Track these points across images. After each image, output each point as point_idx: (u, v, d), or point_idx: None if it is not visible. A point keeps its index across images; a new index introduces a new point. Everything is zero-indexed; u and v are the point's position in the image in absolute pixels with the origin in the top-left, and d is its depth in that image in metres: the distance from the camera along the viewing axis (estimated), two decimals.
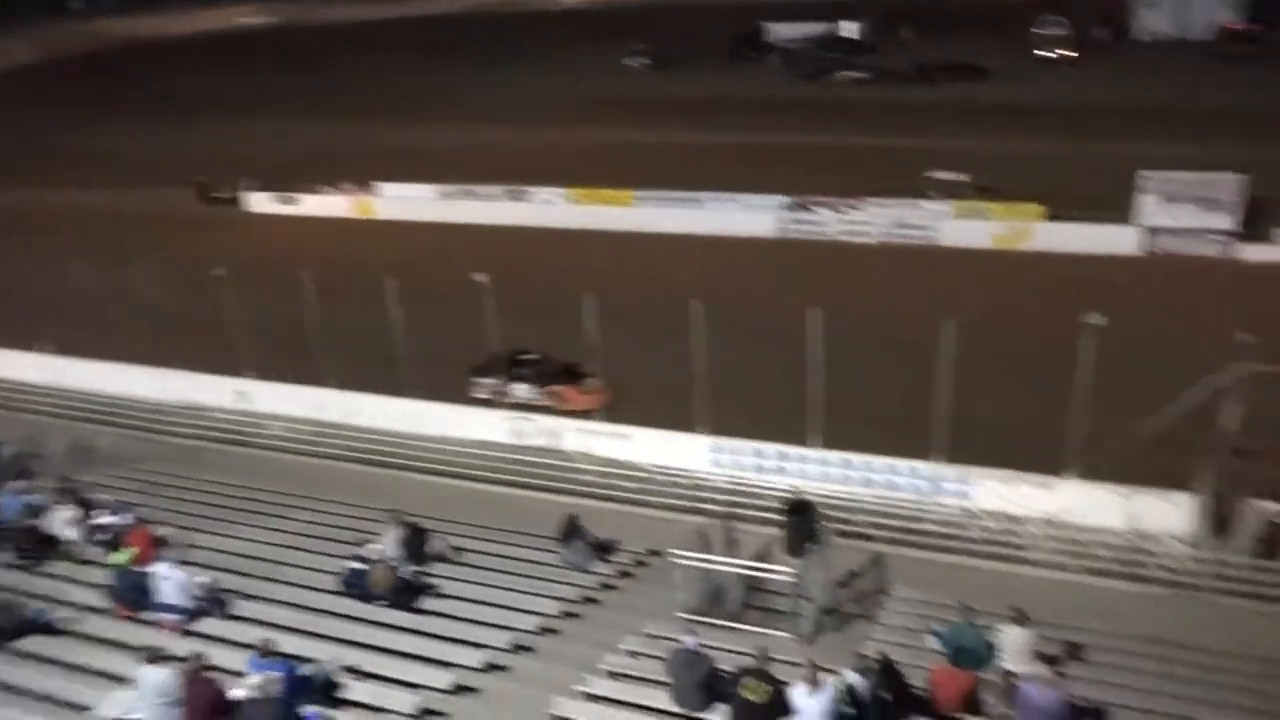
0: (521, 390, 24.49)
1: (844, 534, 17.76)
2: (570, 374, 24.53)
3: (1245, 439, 16.85)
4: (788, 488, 19.81)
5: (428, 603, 15.29)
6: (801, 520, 17.06)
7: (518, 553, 17.17)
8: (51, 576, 15.84)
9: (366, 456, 22.96)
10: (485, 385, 24.67)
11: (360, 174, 45.51)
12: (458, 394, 24.26)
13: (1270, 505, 17.10)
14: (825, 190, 38.29)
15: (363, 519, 18.66)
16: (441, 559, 16.54)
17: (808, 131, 50.95)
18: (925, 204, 36.67)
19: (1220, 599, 16.33)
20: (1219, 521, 17.61)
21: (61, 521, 16.72)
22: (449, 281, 25.17)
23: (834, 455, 20.11)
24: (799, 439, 20.41)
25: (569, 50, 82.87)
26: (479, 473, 21.64)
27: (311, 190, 45.17)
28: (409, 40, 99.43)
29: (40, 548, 16.24)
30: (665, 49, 75.14)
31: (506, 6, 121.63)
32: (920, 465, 19.45)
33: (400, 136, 57.07)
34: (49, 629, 13.97)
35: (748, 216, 38.01)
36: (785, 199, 38.01)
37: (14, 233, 27.27)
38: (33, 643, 13.64)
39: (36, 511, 17.05)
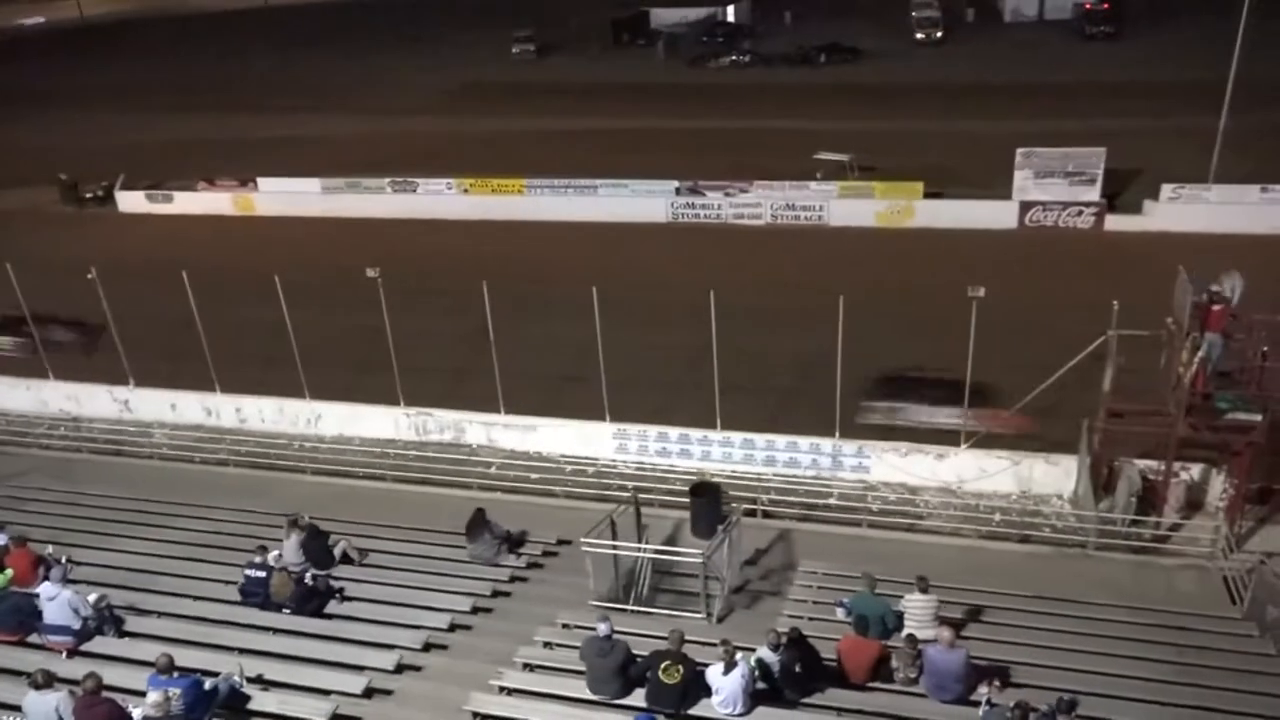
0: (927, 413, 20.71)
1: (750, 513, 18.06)
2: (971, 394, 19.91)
3: (1120, 401, 17.76)
4: (693, 470, 20.10)
5: (334, 606, 14.94)
6: (707, 502, 17.28)
7: (425, 550, 16.91)
8: None
9: (261, 460, 22.23)
10: (880, 410, 21.11)
11: (238, 169, 43.89)
12: (353, 392, 23.67)
13: (1145, 463, 18.10)
14: (714, 174, 38.71)
15: (259, 524, 18.12)
16: (346, 560, 16.17)
17: (694, 116, 51.43)
18: (812, 185, 37.41)
19: (1104, 555, 17.24)
20: (1100, 482, 18.57)
21: None
22: (337, 276, 24.57)
23: (736, 436, 20.42)
24: (703, 421, 20.64)
25: (452, 38, 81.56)
26: (381, 471, 21.20)
27: (187, 187, 43.29)
28: (285, 29, 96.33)
29: None
30: (548, 35, 74.64)
31: None
32: (820, 442, 19.95)
33: (279, 129, 55.30)
34: None
35: (640, 202, 38.12)
36: (676, 183, 38.26)
37: None
38: None
39: None
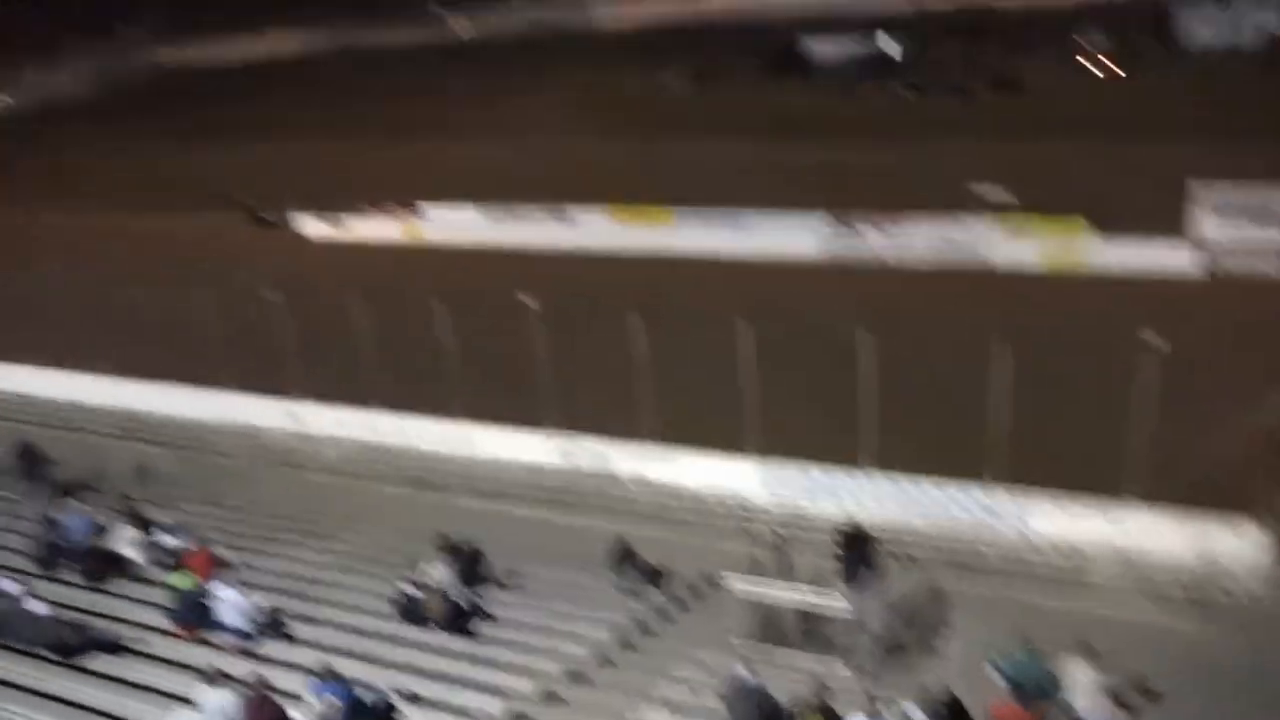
0: None
1: (901, 562, 17.53)
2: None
3: None
4: (843, 514, 19.64)
5: (481, 627, 15.35)
6: (857, 548, 16.85)
7: (569, 578, 17.18)
8: (115, 595, 16.10)
9: (418, 479, 23.10)
10: None
11: (405, 195, 45.95)
12: (506, 415, 24.28)
13: None
14: (868, 208, 38.03)
15: (415, 542, 18.79)
16: (494, 583, 16.59)
17: (848, 148, 50.66)
18: (970, 220, 36.28)
19: None
20: None
21: (124, 542, 17.00)
22: (496, 301, 25.35)
23: (889, 480, 19.85)
24: (852, 463, 20.19)
25: (607, 68, 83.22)
26: (529, 496, 21.66)
27: (359, 213, 45.65)
28: (450, 63, 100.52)
29: (104, 567, 16.52)
30: (703, 66, 75.24)
31: (541, 29, 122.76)
32: (977, 490, 19.14)
33: (443, 158, 57.56)
34: (113, 647, 14.19)
35: (791, 235, 37.83)
36: (828, 217, 37.80)
37: (70, 254, 27.81)
38: (98, 661, 13.86)
39: (101, 532, 17.37)
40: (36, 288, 28.15)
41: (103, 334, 27.64)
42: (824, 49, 74.56)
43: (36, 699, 12.84)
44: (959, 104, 60.12)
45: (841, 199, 39.37)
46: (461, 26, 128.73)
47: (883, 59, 71.76)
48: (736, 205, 39.25)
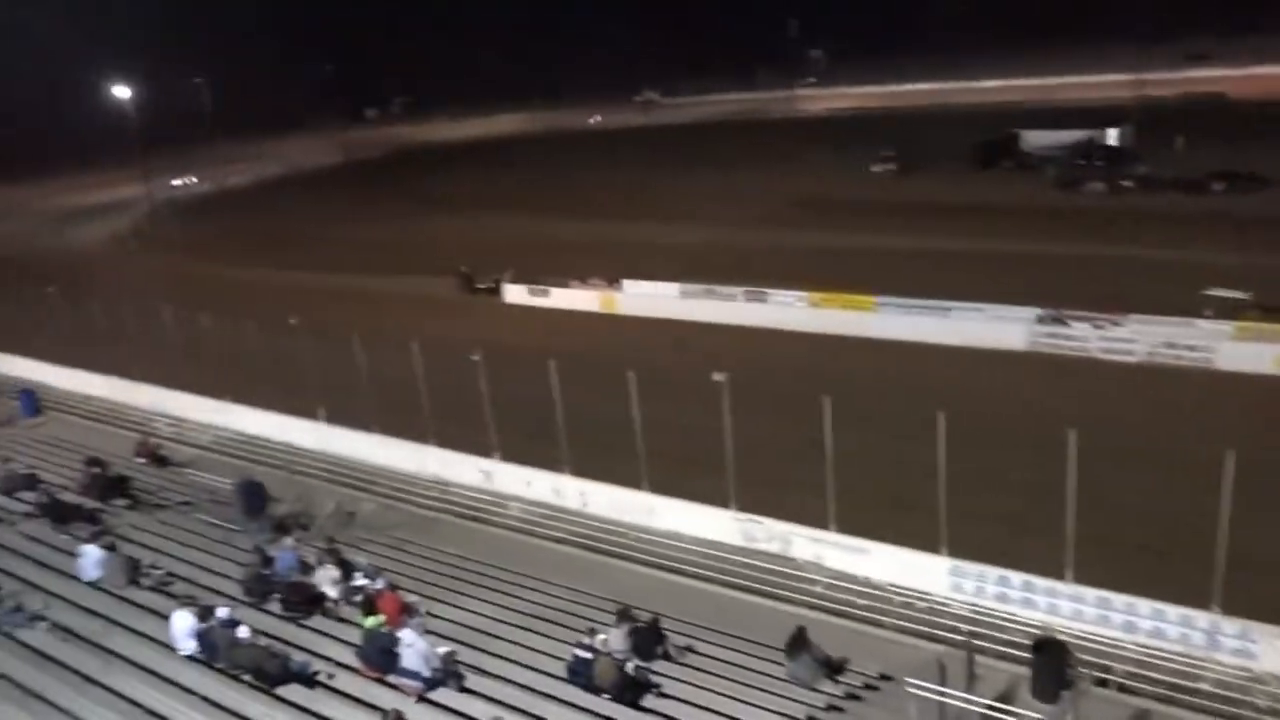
0: None
1: (1100, 682, 16.14)
2: None
3: None
4: (1036, 623, 18.37)
5: (650, 701, 15.19)
6: (1051, 662, 15.67)
7: (742, 660, 16.82)
8: (312, 630, 17.04)
9: (598, 545, 23.40)
10: None
11: (606, 270, 47.61)
12: (687, 489, 24.30)
13: None
14: (1081, 304, 36.16)
15: (590, 606, 19.00)
16: (666, 657, 16.44)
17: (1063, 241, 48.62)
18: (1200, 322, 33.76)
19: None
20: None
21: (326, 581, 18.04)
22: (687, 378, 25.65)
23: (1089, 592, 18.37)
24: (1051, 569, 18.88)
25: (814, 155, 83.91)
26: (706, 572, 21.48)
27: (562, 284, 47.61)
28: (659, 146, 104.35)
29: (306, 602, 17.54)
30: (912, 155, 74.56)
31: (751, 114, 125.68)
32: (1194, 614, 17.39)
33: (647, 235, 59.49)
34: (307, 680, 14.97)
35: (997, 327, 36.40)
36: (1039, 311, 36.16)
37: (298, 310, 30.36)
38: (291, 691, 14.65)
39: (306, 569, 18.53)
40: (268, 341, 30.76)
41: (320, 385, 29.84)
42: (1040, 140, 72.37)
43: None
44: (1186, 198, 56.65)
45: (1053, 293, 37.70)
46: (671, 112, 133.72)
47: (1104, 150, 68.80)
48: (941, 295, 38.19)
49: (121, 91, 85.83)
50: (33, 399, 34.90)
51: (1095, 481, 18.94)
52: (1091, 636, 18.01)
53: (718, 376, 21.82)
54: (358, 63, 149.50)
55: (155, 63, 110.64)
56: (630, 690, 15.05)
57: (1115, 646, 17.61)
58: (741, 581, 21.00)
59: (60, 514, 21.34)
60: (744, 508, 22.55)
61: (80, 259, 69.12)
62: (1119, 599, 18.12)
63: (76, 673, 14.56)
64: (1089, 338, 34.81)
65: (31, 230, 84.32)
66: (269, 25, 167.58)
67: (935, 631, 18.60)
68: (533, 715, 14.51)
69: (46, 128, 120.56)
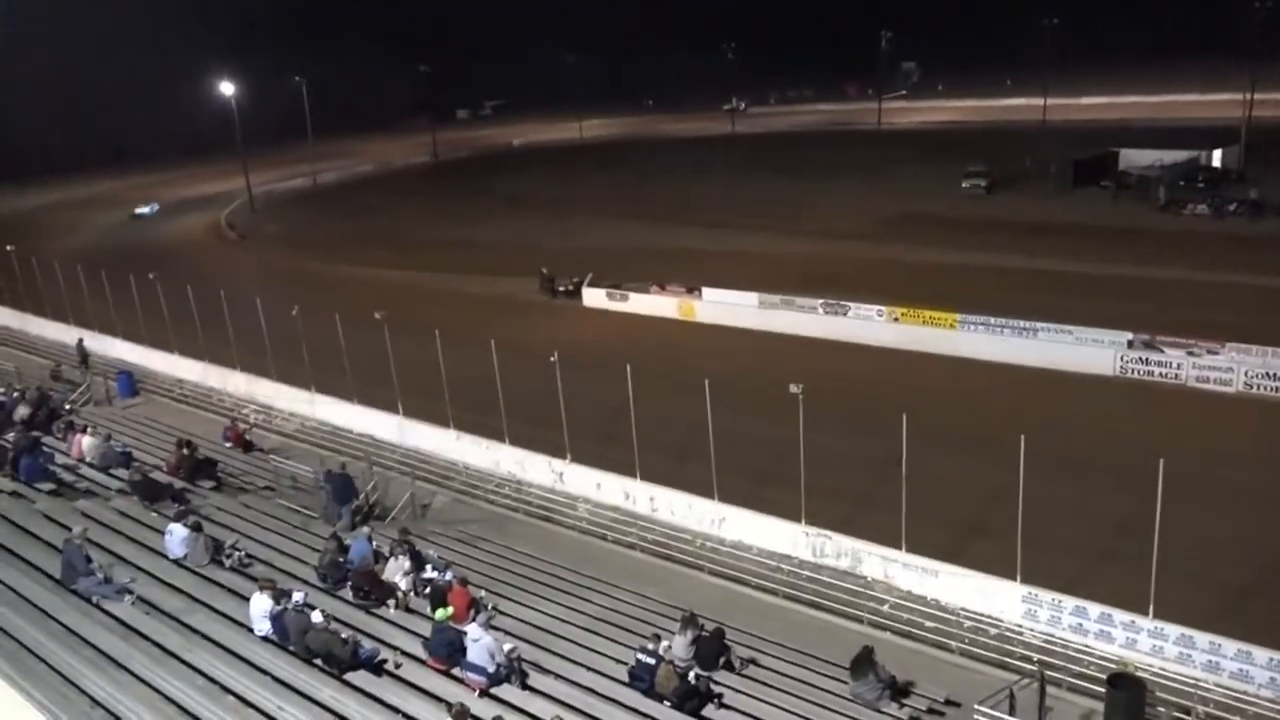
0: None
1: None
2: None
3: None
4: (1112, 657, 17.80)
5: (710, 711, 15.14)
6: (1128, 698, 15.16)
7: (805, 675, 16.68)
8: (382, 619, 17.41)
9: (664, 551, 23.43)
10: None
11: (686, 277, 47.62)
12: (757, 500, 24.15)
13: None
14: (1176, 330, 34.89)
15: (654, 612, 19.05)
16: (729, 668, 16.38)
17: (1158, 264, 47.02)
18: None
19: None
20: None
21: (398, 572, 18.42)
22: (762, 388, 25.54)
23: (1172, 628, 17.72)
24: (1130, 602, 18.27)
25: (902, 169, 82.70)
26: (773, 584, 21.34)
27: (641, 289, 47.79)
28: (746, 154, 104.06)
29: (377, 591, 17.94)
30: (1003, 172, 72.91)
31: (839, 125, 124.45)
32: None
33: (727, 244, 59.37)
34: (375, 668, 15.30)
35: (1085, 351, 35.34)
36: (1129, 336, 35.02)
37: (383, 305, 31.01)
38: (360, 678, 14.99)
39: (380, 559, 18.95)
40: (353, 335, 31.54)
41: (401, 380, 30.48)
42: (1140, 159, 70.05)
43: (309, 704, 14.05)
44: None
45: (1146, 317, 36.49)
46: (758, 121, 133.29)
47: (1208, 172, 66.31)
48: (1028, 316, 37.25)
49: (226, 88, 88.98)
50: (130, 380, 36.44)
51: (1177, 512, 18.26)
52: (1172, 675, 17.38)
53: (794, 388, 21.66)
54: (451, 64, 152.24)
55: (259, 61, 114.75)
56: (691, 699, 15.03)
57: (1196, 686, 16.95)
58: (808, 596, 20.81)
59: (151, 492, 22.20)
60: (814, 522, 22.33)
61: (181, 248, 71.80)
62: (1203, 637, 17.44)
63: (158, 645, 15.11)
64: (1183, 365, 33.58)
65: (137, 220, 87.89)
66: (366, 26, 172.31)
67: (1006, 660, 18.19)
68: (593, 717, 14.59)
69: (155, 122, 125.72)
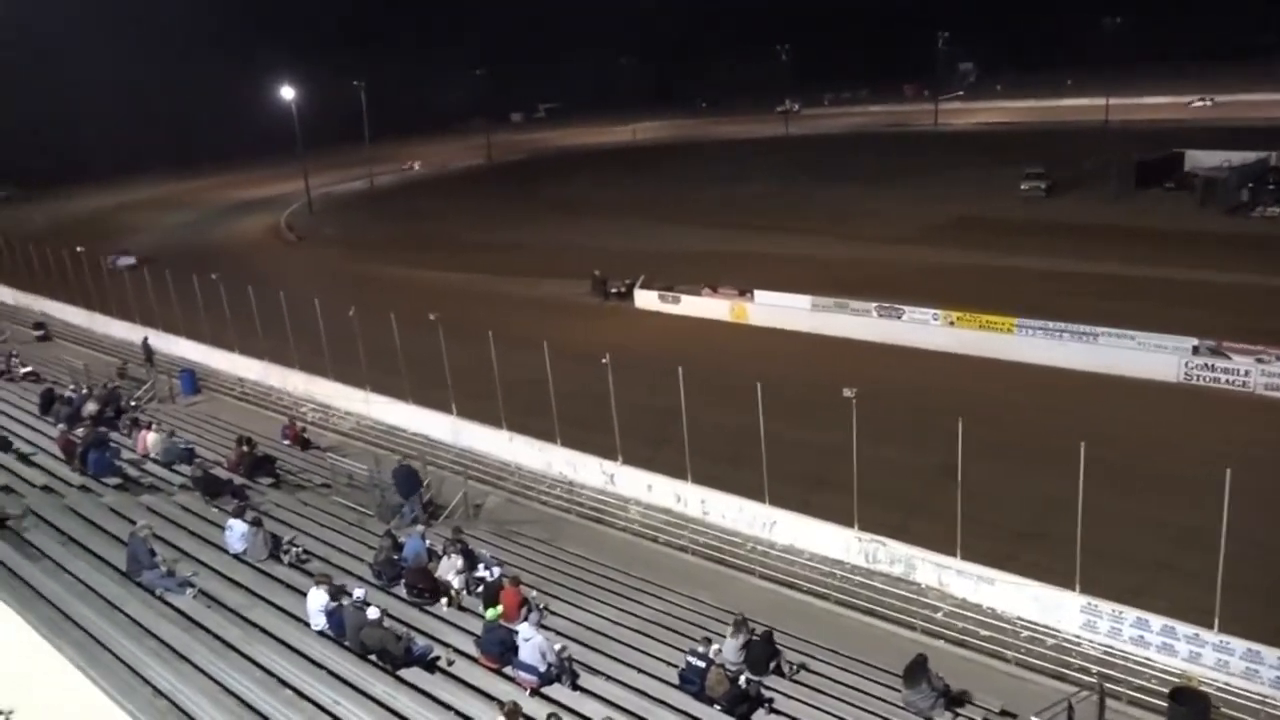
0: None
1: None
2: None
3: None
4: (1175, 671, 17.37)
5: (760, 716, 15.07)
6: (1191, 713, 14.80)
7: (857, 682, 16.53)
8: (435, 617, 17.61)
9: (715, 554, 23.38)
10: None
11: (739, 279, 47.46)
12: (809, 505, 23.97)
13: None
14: (1244, 336, 33.93)
15: (705, 615, 19.02)
16: (780, 673, 16.29)
17: (1225, 269, 45.76)
18: None
19: None
20: None
21: (451, 570, 18.61)
22: (815, 392, 25.36)
23: (1238, 643, 17.24)
24: (1193, 615, 17.81)
25: (959, 171, 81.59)
26: (825, 590, 21.18)
27: (693, 291, 47.74)
28: (798, 156, 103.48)
29: (431, 589, 18.14)
30: (1063, 174, 71.56)
31: (895, 127, 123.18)
32: None
33: (780, 247, 59.06)
34: (428, 665, 15.48)
35: (1147, 357, 34.53)
36: (1195, 341, 34.13)
37: (438, 307, 31.37)
38: (413, 674, 15.17)
39: (434, 557, 19.17)
40: (408, 336, 31.94)
41: (456, 381, 30.80)
42: (1207, 160, 68.27)
43: (363, 699, 14.26)
44: None
45: (1212, 323, 35.58)
46: (811, 123, 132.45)
47: (1277, 176, 64.33)
48: (1089, 320, 36.51)
49: (287, 92, 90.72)
50: (193, 378, 37.36)
51: (1245, 524, 17.77)
52: (1237, 690, 16.91)
53: (848, 392, 21.47)
54: (507, 68, 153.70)
55: (321, 65, 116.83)
56: (741, 703, 14.98)
57: (1264, 703, 16.48)
58: (860, 603, 20.63)
59: (212, 487, 22.71)
60: (866, 527, 22.11)
61: (241, 250, 73.35)
62: (1271, 653, 16.94)
63: (218, 638, 15.44)
64: (1250, 372, 32.65)
65: (201, 221, 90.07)
66: (424, 31, 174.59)
67: (1064, 671, 17.86)
68: (641, 718, 14.61)
69: (219, 126, 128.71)
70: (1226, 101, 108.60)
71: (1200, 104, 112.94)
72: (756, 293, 45.91)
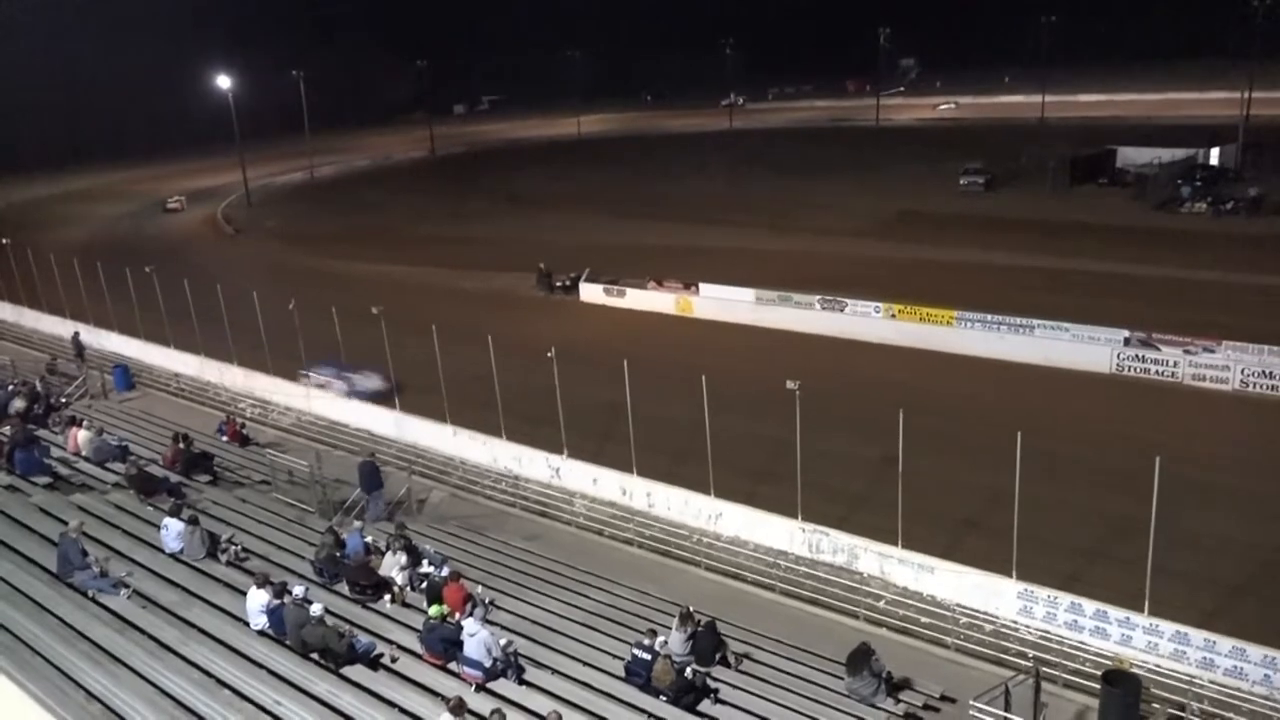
0: None
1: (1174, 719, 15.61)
2: None
3: None
4: (1108, 654, 17.85)
5: (706, 706, 15.16)
6: (1123, 695, 15.18)
7: (801, 671, 16.70)
8: (379, 614, 17.41)
9: (661, 547, 23.45)
10: None
11: (684, 273, 47.58)
12: (753, 497, 24.14)
13: None
14: (1172, 328, 34.93)
15: (651, 607, 19.06)
16: (725, 663, 16.40)
17: (1154, 263, 47.08)
18: None
19: None
20: None
21: (394, 567, 18.41)
22: (760, 384, 25.55)
23: (1167, 626, 17.77)
24: (1126, 600, 18.31)
25: (899, 166, 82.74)
26: (769, 580, 21.37)
27: (638, 285, 47.74)
28: (743, 150, 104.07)
29: (374, 586, 17.93)
30: (1001, 170, 72.97)
31: (838, 122, 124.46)
32: (1278, 655, 16.71)
33: (724, 240, 59.35)
34: (372, 662, 15.30)
35: (1081, 349, 35.38)
36: (1126, 333, 35.06)
37: (380, 300, 30.93)
38: (356, 672, 14.98)
39: (376, 553, 18.94)
40: (353, 332, 31.49)
41: (399, 375, 30.51)
42: (1138, 157, 70.14)
43: (305, 698, 14.04)
44: None
45: (1144, 315, 36.56)
46: (756, 117, 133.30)
47: (1205, 170, 66.35)
48: (1025, 313, 37.26)
49: (223, 82, 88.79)
50: (127, 374, 36.45)
51: (1174, 511, 18.31)
52: (1167, 671, 17.43)
53: (791, 384, 21.65)
54: (449, 59, 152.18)
55: (259, 55, 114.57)
56: (687, 694, 15.05)
57: (1191, 683, 17.00)
58: (804, 593, 20.85)
59: (146, 485, 22.19)
60: (810, 518, 22.34)
61: (177, 242, 71.67)
62: (1198, 634, 17.49)
63: (154, 639, 15.10)
64: (1179, 363, 33.64)
65: (133, 214, 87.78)
66: (365, 21, 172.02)
67: (1001, 656, 18.24)
68: (590, 712, 14.60)
69: (155, 116, 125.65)
70: (1159, 100, 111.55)
71: (947, 107, 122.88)
72: (701, 286, 46.08)
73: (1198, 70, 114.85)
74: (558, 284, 50.42)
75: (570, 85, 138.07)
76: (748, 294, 44.56)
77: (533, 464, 27.63)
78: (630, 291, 47.85)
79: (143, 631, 15.34)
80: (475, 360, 28.05)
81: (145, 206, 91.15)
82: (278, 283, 46.60)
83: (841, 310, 41.67)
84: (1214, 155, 69.36)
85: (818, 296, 42.44)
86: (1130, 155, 71.01)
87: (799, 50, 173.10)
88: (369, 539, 19.58)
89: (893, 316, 40.29)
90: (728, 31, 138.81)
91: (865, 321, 40.68)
